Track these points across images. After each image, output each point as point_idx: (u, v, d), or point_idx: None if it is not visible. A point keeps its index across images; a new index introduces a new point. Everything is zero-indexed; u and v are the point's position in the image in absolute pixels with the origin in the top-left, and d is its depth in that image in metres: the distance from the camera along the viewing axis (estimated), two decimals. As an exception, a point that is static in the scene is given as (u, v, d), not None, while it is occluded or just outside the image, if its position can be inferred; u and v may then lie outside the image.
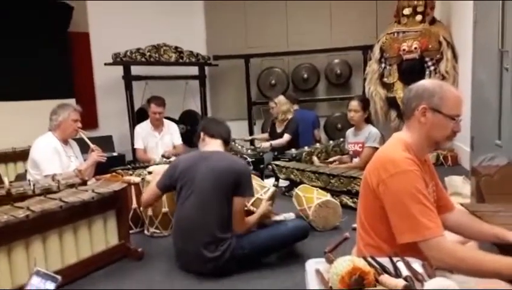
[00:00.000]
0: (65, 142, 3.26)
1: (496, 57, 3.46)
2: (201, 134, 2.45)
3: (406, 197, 1.35)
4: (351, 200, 3.27)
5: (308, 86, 6.34)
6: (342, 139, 4.56)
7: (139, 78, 5.60)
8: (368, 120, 3.89)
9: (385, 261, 1.19)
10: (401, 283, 1.03)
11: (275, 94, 5.27)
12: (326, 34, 6.31)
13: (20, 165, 4.15)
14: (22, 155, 4.00)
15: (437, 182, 1.64)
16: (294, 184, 3.66)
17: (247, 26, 6.50)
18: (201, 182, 2.24)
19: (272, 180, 4.03)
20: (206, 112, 6.20)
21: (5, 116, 4.60)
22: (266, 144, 4.79)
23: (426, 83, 1.54)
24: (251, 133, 6.15)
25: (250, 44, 6.41)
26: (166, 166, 2.59)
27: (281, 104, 4.87)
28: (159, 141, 4.51)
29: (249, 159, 4.19)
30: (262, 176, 4.05)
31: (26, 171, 3.36)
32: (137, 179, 3.09)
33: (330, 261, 1.18)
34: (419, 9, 5.11)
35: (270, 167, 4.12)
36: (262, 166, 4.25)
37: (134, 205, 2.99)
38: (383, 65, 5.34)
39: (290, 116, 4.87)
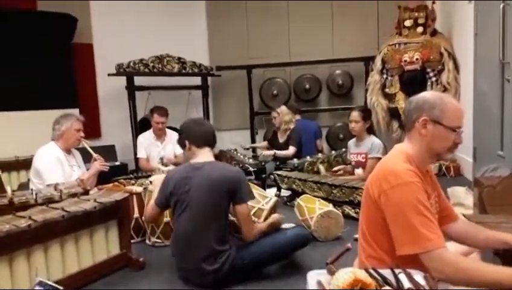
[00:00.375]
0: (68, 151, 3.27)
1: (497, 68, 3.47)
2: (187, 143, 2.36)
3: (407, 209, 1.35)
4: (353, 210, 3.26)
5: (310, 96, 6.36)
6: (344, 149, 4.56)
7: (142, 88, 5.64)
8: (370, 130, 3.89)
9: (387, 273, 1.19)
10: (402, 295, 1.03)
11: (277, 104, 5.30)
12: (328, 45, 6.36)
13: (23, 174, 4.17)
14: (24, 164, 4.02)
15: (439, 193, 1.64)
16: (296, 194, 3.65)
17: (250, 37, 6.56)
18: (195, 197, 2.20)
19: (273, 190, 4.02)
20: (209, 121, 6.22)
21: (8, 126, 4.65)
22: (270, 152, 4.78)
23: (427, 95, 1.55)
24: (253, 142, 6.16)
25: (253, 55, 6.46)
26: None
27: (283, 114, 4.88)
28: (161, 150, 4.53)
29: (251, 169, 4.19)
30: (264, 186, 4.05)
31: (28, 180, 3.38)
32: (139, 189, 3.09)
33: (332, 273, 1.17)
34: (421, 21, 5.15)
35: (272, 176, 4.12)
36: (264, 176, 4.24)
37: (136, 214, 2.99)
38: (384, 76, 5.36)
39: (292, 126, 4.88)
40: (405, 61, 5.10)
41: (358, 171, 3.85)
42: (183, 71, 5.84)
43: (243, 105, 6.39)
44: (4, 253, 1.95)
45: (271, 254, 2.31)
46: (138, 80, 5.59)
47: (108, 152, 4.72)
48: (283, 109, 4.96)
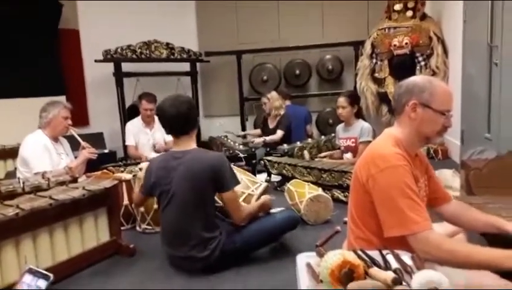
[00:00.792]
0: (55, 139, 3.23)
1: (485, 52, 3.49)
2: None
3: (394, 192, 1.36)
4: (342, 194, 3.29)
5: (300, 81, 6.34)
6: (333, 135, 4.58)
7: (130, 74, 5.57)
8: (358, 115, 3.90)
9: (375, 254, 1.20)
10: (390, 275, 1.04)
11: (267, 90, 5.27)
12: (318, 30, 6.31)
13: (10, 163, 4.10)
14: (11, 153, 3.95)
15: (431, 175, 1.66)
16: (286, 179, 3.66)
17: (239, 22, 6.48)
18: (178, 188, 2.17)
19: (264, 176, 4.03)
20: (198, 108, 6.18)
21: (-6, 114, 4.56)
22: (259, 140, 4.79)
23: (416, 78, 1.55)
24: (243, 129, 6.15)
25: (242, 40, 6.39)
26: None
27: (273, 100, 4.87)
28: (150, 137, 4.49)
29: (241, 155, 4.20)
30: (255, 172, 4.06)
31: (15, 169, 3.34)
32: (128, 176, 3.07)
33: (321, 255, 1.18)
34: (410, 5, 5.14)
35: (262, 162, 4.13)
36: (254, 161, 4.25)
37: (126, 201, 2.98)
38: (374, 60, 5.37)
39: (282, 112, 4.88)
40: (394, 45, 5.10)
41: (348, 156, 3.87)
42: (172, 57, 5.77)
43: (233, 91, 6.34)
44: (-8, 242, 1.94)
45: (261, 236, 2.32)
46: (126, 66, 5.50)
47: (96, 140, 4.67)
48: (273, 94, 4.94)
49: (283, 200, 3.15)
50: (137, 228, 3.01)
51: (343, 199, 3.22)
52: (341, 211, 2.84)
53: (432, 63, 4.96)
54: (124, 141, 4.80)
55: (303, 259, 1.25)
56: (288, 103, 5.33)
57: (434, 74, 4.84)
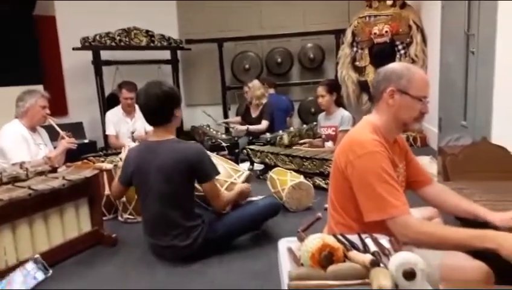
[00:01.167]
0: (33, 129, 3.17)
1: (462, 41, 3.55)
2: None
3: (372, 177, 1.39)
4: (323, 181, 3.33)
5: (282, 70, 6.34)
6: (315, 123, 4.61)
7: (109, 63, 5.47)
8: (339, 103, 3.93)
9: (354, 238, 1.23)
10: (368, 257, 1.07)
11: (249, 78, 5.26)
12: (300, 18, 6.30)
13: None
14: (-13, 144, 3.86)
15: (411, 158, 1.69)
16: (268, 168, 3.69)
17: (221, 10, 6.40)
18: (154, 182, 2.16)
19: (247, 165, 4.05)
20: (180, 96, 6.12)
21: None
22: (242, 128, 4.77)
23: (395, 65, 1.57)
24: (226, 117, 6.13)
25: (224, 28, 6.32)
26: None
27: (255, 88, 4.85)
28: (130, 126, 4.43)
29: (224, 144, 4.19)
30: (238, 161, 4.07)
31: (-8, 159, 3.26)
32: (109, 166, 3.04)
33: (301, 240, 1.20)
34: (390, -7, 5.18)
35: (245, 151, 4.13)
36: (237, 151, 4.26)
37: (107, 191, 2.95)
38: (354, 49, 5.40)
39: (264, 100, 4.87)
40: (375, 33, 5.14)
41: (329, 144, 3.92)
42: (152, 44, 5.68)
43: (215, 80, 6.29)
44: (-31, 233, 1.90)
45: (243, 223, 2.35)
46: (105, 54, 5.40)
47: (76, 129, 4.60)
48: (255, 83, 4.93)
49: (266, 188, 3.17)
50: (120, 218, 2.99)
51: (324, 186, 3.27)
52: (322, 198, 2.88)
53: (411, 52, 5.03)
54: (104, 130, 4.73)
55: (284, 244, 1.28)
56: (272, 91, 5.31)
57: (413, 62, 4.90)
